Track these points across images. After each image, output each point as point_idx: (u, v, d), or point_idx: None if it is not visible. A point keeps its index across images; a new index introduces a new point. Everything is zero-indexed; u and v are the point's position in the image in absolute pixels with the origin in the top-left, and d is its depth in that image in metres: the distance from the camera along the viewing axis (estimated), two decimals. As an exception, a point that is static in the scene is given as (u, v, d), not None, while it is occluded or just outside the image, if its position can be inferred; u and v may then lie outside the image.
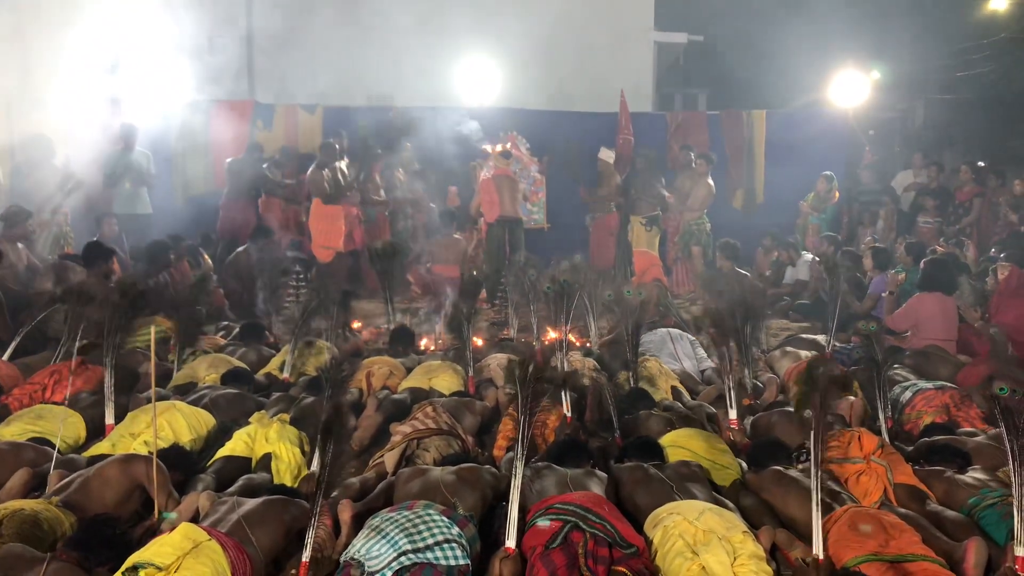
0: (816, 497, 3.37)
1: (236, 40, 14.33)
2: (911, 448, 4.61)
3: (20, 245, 7.34)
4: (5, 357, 5.68)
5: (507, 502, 3.43)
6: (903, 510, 3.71)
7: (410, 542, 3.12)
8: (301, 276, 8.36)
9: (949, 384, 5.47)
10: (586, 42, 14.86)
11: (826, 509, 3.55)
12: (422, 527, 3.20)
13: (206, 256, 9.15)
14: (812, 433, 3.53)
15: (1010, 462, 3.37)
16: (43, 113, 10.04)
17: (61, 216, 8.81)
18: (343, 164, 9.55)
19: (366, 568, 3.10)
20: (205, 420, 4.72)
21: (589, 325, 7.06)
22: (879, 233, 10.55)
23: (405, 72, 13.24)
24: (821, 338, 6.89)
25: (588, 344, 6.96)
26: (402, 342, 6.81)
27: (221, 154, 10.54)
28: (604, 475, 3.94)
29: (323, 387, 5.27)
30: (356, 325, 7.64)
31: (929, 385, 5.37)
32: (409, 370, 5.97)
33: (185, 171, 10.76)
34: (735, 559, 3.16)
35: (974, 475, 4.05)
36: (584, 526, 3.24)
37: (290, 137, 10.96)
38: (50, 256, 8.17)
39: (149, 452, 4.04)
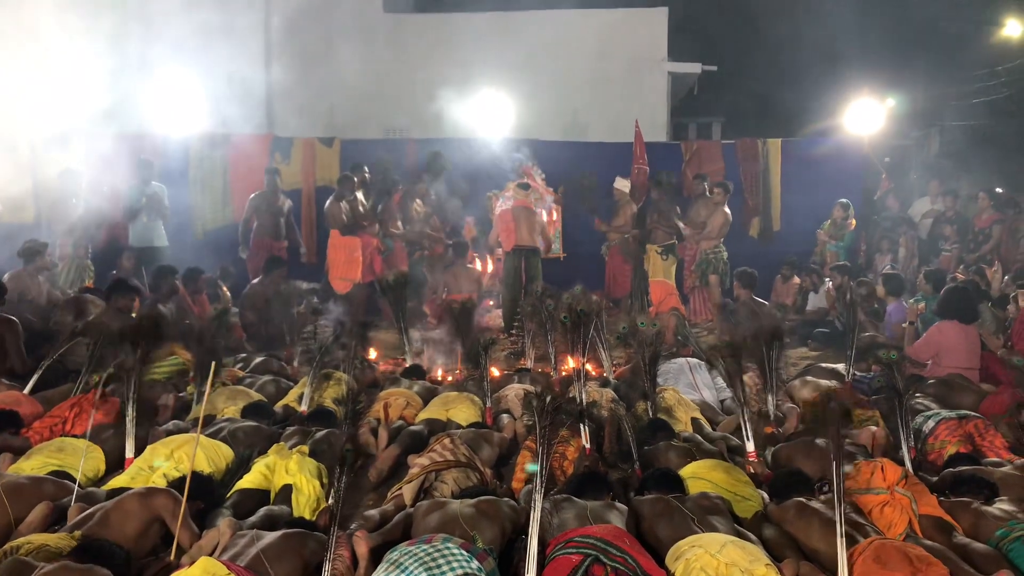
0: (840, 529, 3.32)
1: (255, 74, 14.52)
2: (935, 479, 4.55)
3: (41, 278, 7.41)
4: (26, 390, 5.72)
5: (527, 535, 3.40)
6: (929, 542, 3.65)
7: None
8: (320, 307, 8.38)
9: (973, 413, 5.39)
10: (600, 73, 15.00)
11: (850, 541, 3.49)
12: (441, 561, 3.17)
13: (225, 289, 9.23)
14: (832, 464, 3.49)
15: (1038, 493, 3.32)
16: (66, 151, 10.22)
17: (82, 249, 8.91)
18: (361, 195, 9.63)
19: (385, 602, 3.07)
20: (224, 453, 4.72)
21: (601, 356, 7.04)
22: (900, 261, 10.51)
23: (421, 104, 13.38)
24: (841, 367, 6.84)
25: (605, 375, 6.93)
26: (414, 376, 6.84)
27: (239, 187, 10.65)
28: (624, 507, 3.90)
29: (330, 418, 5.31)
30: (372, 356, 7.65)
31: (952, 414, 5.30)
32: (426, 401, 5.96)
33: (203, 205, 10.86)
34: (758, 593, 3.11)
35: (1001, 506, 3.98)
36: (605, 559, 3.20)
37: (308, 170, 11.06)
38: (71, 290, 8.25)
39: (168, 484, 4.05)
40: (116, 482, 4.32)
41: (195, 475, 4.23)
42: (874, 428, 5.14)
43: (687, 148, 11.74)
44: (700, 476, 4.31)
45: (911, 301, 7.68)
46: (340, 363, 6.55)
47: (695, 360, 6.82)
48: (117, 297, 6.95)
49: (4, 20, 9.99)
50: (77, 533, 3.48)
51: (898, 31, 19.88)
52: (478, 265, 10.28)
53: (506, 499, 4.03)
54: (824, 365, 7.12)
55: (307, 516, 4.07)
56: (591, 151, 11.43)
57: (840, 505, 3.36)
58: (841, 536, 3.30)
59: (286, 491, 4.24)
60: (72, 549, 3.26)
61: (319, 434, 4.99)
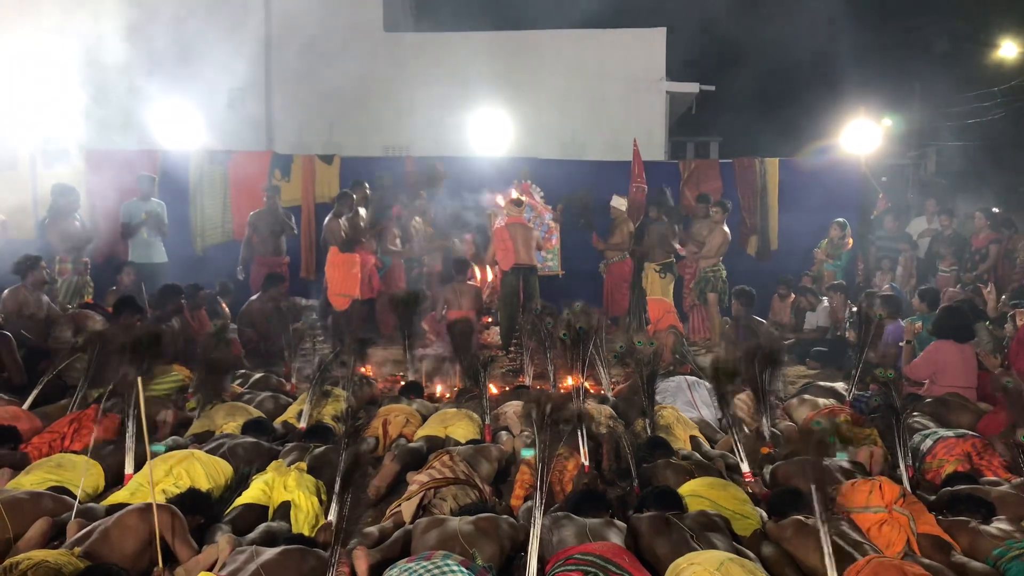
0: (827, 549, 3.33)
1: (255, 91, 14.61)
2: (933, 497, 4.55)
3: (43, 295, 7.40)
4: (25, 406, 5.72)
5: (526, 552, 3.40)
6: (927, 561, 3.66)
7: (429, 593, 3.09)
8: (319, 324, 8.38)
9: (970, 432, 5.41)
10: (599, 92, 15.09)
11: (848, 560, 3.50)
12: (441, 578, 3.18)
13: (224, 305, 9.23)
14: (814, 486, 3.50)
15: (1035, 512, 3.33)
16: (65, 164, 10.27)
17: (81, 265, 8.92)
18: (362, 211, 9.66)
19: (385, 619, 3.07)
20: (223, 469, 4.72)
21: (600, 373, 7.04)
22: (899, 280, 10.54)
23: (421, 123, 13.45)
24: (839, 385, 6.84)
25: (604, 392, 6.94)
26: (412, 393, 6.83)
27: (239, 204, 10.68)
28: (623, 525, 3.90)
29: (329, 434, 5.31)
30: (370, 373, 7.65)
31: (950, 433, 5.32)
32: (425, 418, 5.96)
33: (203, 221, 10.89)
34: (757, 611, 3.11)
35: (999, 525, 3.99)
36: (604, 577, 3.21)
37: (307, 187, 11.10)
38: (70, 305, 8.25)
39: (167, 500, 4.05)
40: (115, 498, 4.31)
41: (191, 490, 4.24)
42: (872, 447, 5.15)
43: (685, 167, 11.80)
44: (699, 494, 4.32)
45: (907, 320, 7.70)
46: (339, 380, 6.56)
47: (693, 378, 6.83)
48: (125, 315, 6.96)
49: (5, 37, 10.06)
50: (77, 550, 3.47)
51: (895, 52, 20.04)
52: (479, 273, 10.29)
53: (505, 516, 4.03)
54: (822, 384, 7.13)
55: (306, 532, 4.07)
56: (589, 169, 11.49)
57: (825, 527, 3.37)
58: (829, 556, 3.32)
59: (285, 507, 4.24)
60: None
61: (317, 451, 4.99)
